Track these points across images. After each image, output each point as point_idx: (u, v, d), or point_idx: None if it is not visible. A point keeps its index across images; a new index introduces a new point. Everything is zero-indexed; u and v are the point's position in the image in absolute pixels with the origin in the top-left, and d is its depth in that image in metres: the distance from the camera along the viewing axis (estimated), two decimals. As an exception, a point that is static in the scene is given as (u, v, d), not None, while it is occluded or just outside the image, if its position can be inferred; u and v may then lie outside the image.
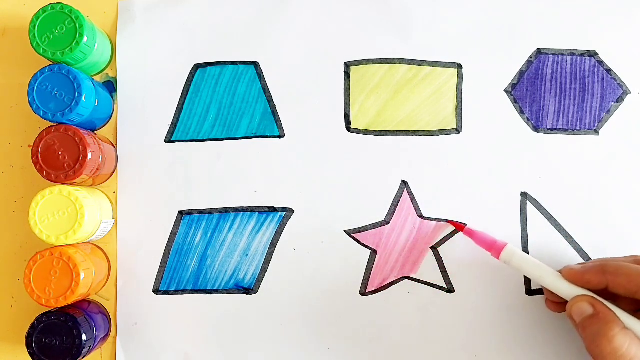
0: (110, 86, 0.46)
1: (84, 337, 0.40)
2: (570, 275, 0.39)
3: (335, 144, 0.45)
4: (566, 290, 0.39)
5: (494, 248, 0.42)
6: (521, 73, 0.45)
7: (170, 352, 0.44)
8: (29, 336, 0.40)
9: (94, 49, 0.43)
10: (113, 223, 0.45)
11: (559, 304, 0.41)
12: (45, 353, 0.40)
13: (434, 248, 0.44)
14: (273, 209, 0.45)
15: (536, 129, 0.45)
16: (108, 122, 0.46)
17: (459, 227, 0.44)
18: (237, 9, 0.46)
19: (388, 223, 0.45)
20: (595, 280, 0.38)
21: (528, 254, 0.44)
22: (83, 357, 0.41)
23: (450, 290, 0.44)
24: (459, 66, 0.45)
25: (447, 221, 0.44)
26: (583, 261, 0.44)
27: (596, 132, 0.45)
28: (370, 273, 0.44)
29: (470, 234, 0.43)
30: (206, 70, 0.46)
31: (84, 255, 0.42)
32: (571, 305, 0.38)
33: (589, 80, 0.45)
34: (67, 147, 0.41)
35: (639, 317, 0.38)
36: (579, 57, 0.45)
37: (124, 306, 0.45)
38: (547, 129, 0.45)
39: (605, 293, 0.38)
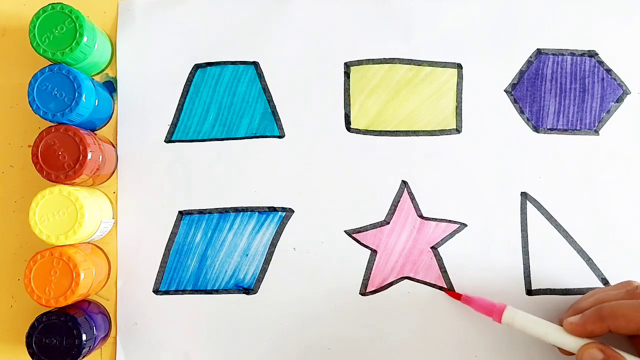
0: (110, 86, 0.46)
1: (84, 337, 0.40)
2: (572, 330, 0.39)
3: (335, 144, 0.45)
4: (572, 343, 0.39)
5: (494, 312, 0.41)
6: (521, 73, 0.45)
7: (170, 352, 0.44)
8: (29, 336, 0.40)
9: (94, 49, 0.43)
10: (113, 223, 0.45)
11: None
12: (45, 353, 0.40)
13: (434, 248, 0.44)
14: (273, 209, 0.45)
15: (536, 129, 0.45)
16: (108, 122, 0.46)
17: (456, 296, 0.43)
18: (237, 9, 0.46)
19: (388, 223, 0.45)
20: (597, 330, 0.38)
21: (528, 254, 0.44)
22: (83, 357, 0.41)
23: (450, 290, 0.44)
24: (459, 66, 0.45)
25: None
26: (583, 262, 0.44)
27: (596, 132, 0.45)
28: (370, 273, 0.44)
29: (468, 301, 0.43)
30: (206, 70, 0.46)
31: (84, 255, 0.42)
32: (582, 353, 0.38)
33: (589, 80, 0.45)
34: (67, 147, 0.41)
35: None
36: (579, 57, 0.45)
37: (124, 306, 0.45)
38: (547, 129, 0.45)
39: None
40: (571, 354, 0.40)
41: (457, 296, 0.43)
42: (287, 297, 0.44)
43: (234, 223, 0.45)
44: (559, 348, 0.40)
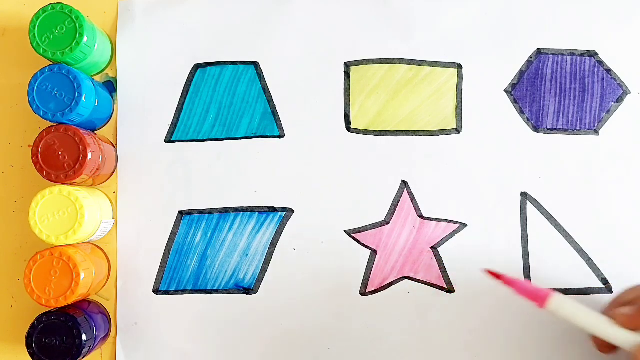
0: (110, 86, 0.46)
1: (84, 337, 0.40)
2: (625, 321, 0.36)
3: (335, 144, 0.45)
4: (625, 338, 0.36)
5: (539, 297, 0.37)
6: (521, 73, 0.45)
7: (170, 352, 0.44)
8: (29, 336, 0.40)
9: (94, 49, 0.43)
10: (113, 223, 0.45)
11: (610, 345, 0.37)
12: (45, 353, 0.40)
13: (434, 248, 0.44)
14: (273, 209, 0.45)
15: (536, 129, 0.45)
16: (108, 122, 0.46)
17: (497, 276, 0.38)
18: (237, 9, 0.46)
19: (388, 223, 0.45)
20: None
21: (528, 254, 0.44)
22: (83, 357, 0.41)
23: (450, 290, 0.44)
24: (459, 66, 0.45)
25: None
26: (583, 262, 0.44)
27: (596, 132, 0.45)
28: (370, 273, 0.44)
29: (511, 283, 0.38)
30: (206, 70, 0.46)
31: (84, 255, 0.42)
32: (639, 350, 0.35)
33: (589, 80, 0.45)
34: (67, 147, 0.41)
35: None
36: (579, 57, 0.45)
37: (124, 306, 0.45)
38: (547, 129, 0.45)
39: None
40: (613, 349, 0.37)
41: (498, 277, 0.38)
42: (287, 297, 0.44)
43: (234, 223, 0.45)
44: (598, 345, 0.38)
